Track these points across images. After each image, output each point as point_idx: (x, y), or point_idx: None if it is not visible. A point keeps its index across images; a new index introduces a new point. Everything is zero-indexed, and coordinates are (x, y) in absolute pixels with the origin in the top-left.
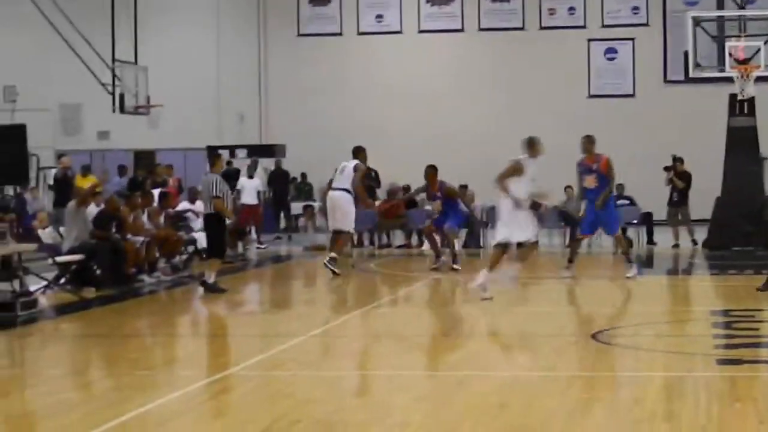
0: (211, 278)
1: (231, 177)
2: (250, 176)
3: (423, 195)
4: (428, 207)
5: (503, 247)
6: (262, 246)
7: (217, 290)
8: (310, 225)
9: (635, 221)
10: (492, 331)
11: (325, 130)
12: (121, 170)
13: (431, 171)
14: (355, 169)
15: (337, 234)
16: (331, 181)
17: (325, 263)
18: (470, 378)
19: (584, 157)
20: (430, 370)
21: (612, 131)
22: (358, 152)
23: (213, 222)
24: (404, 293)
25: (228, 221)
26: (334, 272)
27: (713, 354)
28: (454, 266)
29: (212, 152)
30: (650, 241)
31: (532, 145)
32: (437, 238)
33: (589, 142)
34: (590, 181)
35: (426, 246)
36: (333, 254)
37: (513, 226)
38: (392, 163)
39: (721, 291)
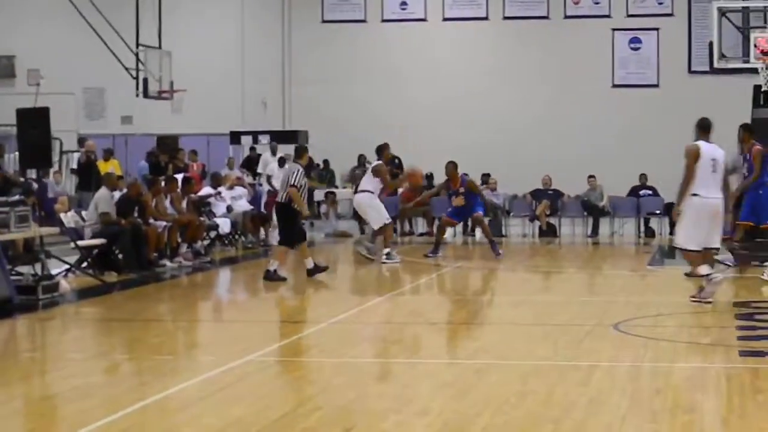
0: (273, 266)
1: (253, 162)
2: (281, 165)
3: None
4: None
5: None
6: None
7: (277, 279)
8: (332, 212)
9: (658, 211)
10: (513, 320)
11: (348, 117)
12: (143, 155)
13: (452, 167)
14: (375, 173)
15: (378, 231)
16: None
17: (382, 261)
18: (491, 366)
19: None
20: (451, 358)
21: (635, 121)
22: (381, 150)
23: (284, 211)
24: (426, 281)
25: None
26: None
27: (736, 345)
28: (498, 254)
29: (300, 145)
30: (673, 231)
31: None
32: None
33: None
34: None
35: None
36: (387, 249)
37: None
38: (415, 151)
39: (743, 282)
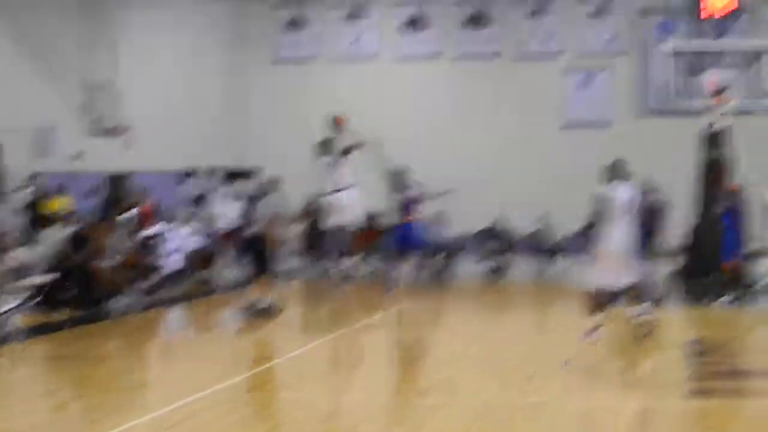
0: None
1: (204, 200)
2: (230, 201)
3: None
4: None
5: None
6: (234, 270)
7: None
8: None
9: None
10: (464, 357)
11: (302, 155)
12: (93, 192)
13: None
14: (347, 155)
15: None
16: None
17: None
18: (442, 404)
19: None
20: (403, 396)
21: (587, 161)
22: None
23: (256, 242)
24: (379, 318)
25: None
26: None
27: (686, 384)
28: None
29: (270, 180)
30: None
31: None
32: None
33: None
34: None
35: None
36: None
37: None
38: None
39: (694, 321)
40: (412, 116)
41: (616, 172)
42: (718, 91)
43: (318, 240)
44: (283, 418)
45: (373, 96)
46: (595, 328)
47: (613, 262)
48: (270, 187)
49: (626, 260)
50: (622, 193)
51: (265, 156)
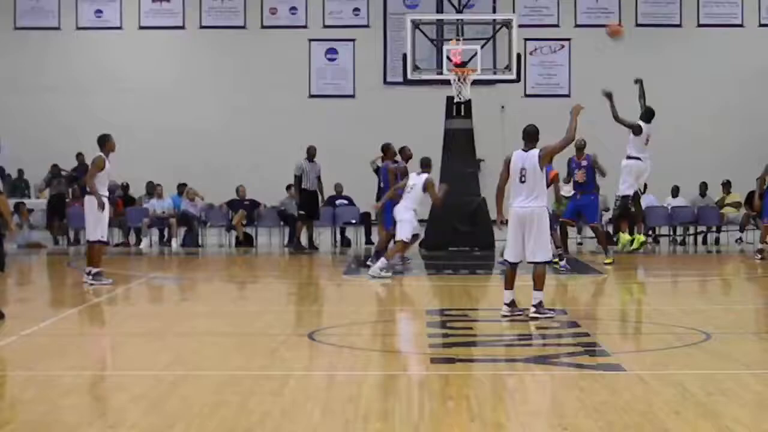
0: None
1: None
2: None
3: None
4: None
5: None
6: None
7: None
8: (24, 222)
9: (354, 221)
10: (208, 330)
11: (41, 127)
12: None
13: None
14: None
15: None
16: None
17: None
18: (185, 377)
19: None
20: (144, 370)
21: (332, 131)
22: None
23: None
24: (122, 292)
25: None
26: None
27: (428, 353)
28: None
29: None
30: (368, 240)
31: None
32: None
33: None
34: (580, 176)
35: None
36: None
37: None
38: (118, 159)
39: (436, 291)
40: (162, 88)
41: None
42: (462, 63)
43: None
44: (18, 396)
45: (118, 67)
46: None
47: None
48: None
49: None
50: None
51: (3, 128)
